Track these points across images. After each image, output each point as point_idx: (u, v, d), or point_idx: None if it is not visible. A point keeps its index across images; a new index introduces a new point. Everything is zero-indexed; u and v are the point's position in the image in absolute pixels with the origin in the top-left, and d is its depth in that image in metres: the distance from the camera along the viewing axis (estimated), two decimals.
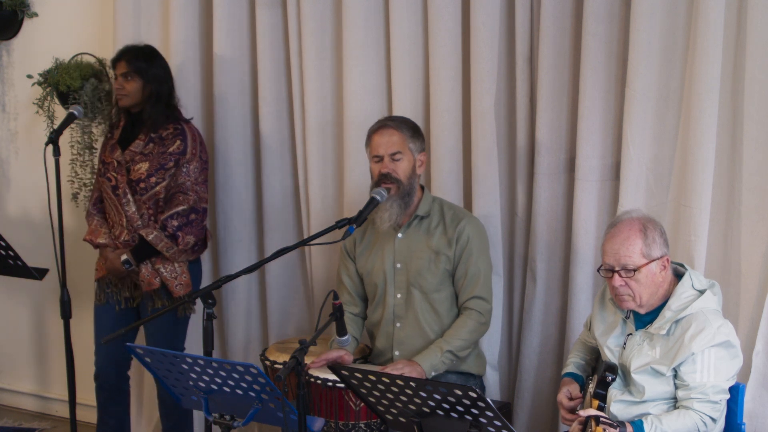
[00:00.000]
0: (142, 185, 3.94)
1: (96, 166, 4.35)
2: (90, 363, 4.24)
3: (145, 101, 3.97)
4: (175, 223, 3.92)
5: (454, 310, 3.63)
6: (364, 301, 3.80)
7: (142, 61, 3.99)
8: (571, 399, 3.20)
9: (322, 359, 3.50)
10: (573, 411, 3.16)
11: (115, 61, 4.02)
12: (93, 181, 4.38)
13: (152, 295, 3.99)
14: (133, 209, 3.95)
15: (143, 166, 3.94)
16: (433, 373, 3.48)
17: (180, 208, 3.93)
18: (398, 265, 3.65)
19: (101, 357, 4.13)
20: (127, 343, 3.08)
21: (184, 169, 3.95)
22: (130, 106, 3.98)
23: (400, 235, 3.65)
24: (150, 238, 3.90)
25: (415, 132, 3.61)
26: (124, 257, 3.94)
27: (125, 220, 3.97)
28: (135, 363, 4.28)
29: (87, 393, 4.49)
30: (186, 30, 4.35)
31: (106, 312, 4.08)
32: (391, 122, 3.61)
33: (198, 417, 4.34)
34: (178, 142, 3.96)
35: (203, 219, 4.00)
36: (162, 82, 4.00)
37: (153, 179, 3.93)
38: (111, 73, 4.55)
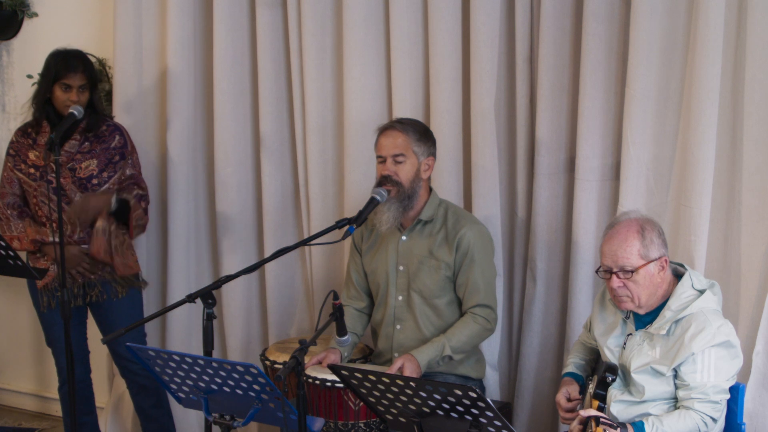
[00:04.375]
0: (94, 181, 4.00)
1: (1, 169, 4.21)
2: (91, 362, 4.24)
3: (87, 105, 3.99)
4: (143, 203, 4.10)
5: (455, 316, 3.62)
6: (371, 297, 3.80)
7: (94, 69, 4.04)
8: (569, 400, 3.20)
9: (314, 360, 3.52)
10: (571, 412, 3.16)
11: (69, 71, 3.93)
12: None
13: (121, 280, 4.08)
14: None
15: (92, 163, 4.00)
16: (427, 370, 3.48)
17: (142, 192, 4.12)
18: (400, 268, 3.65)
19: (67, 359, 3.97)
20: (127, 344, 3.08)
21: (130, 162, 4.10)
22: None
23: (404, 237, 3.65)
24: (132, 201, 4.01)
25: (422, 136, 3.59)
26: (114, 198, 3.98)
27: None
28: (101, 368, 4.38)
29: None
30: (186, 30, 4.35)
31: (56, 316, 3.98)
32: (398, 124, 3.60)
33: (198, 417, 4.35)
34: (117, 137, 4.09)
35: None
36: (97, 87, 4.08)
37: (105, 174, 4.02)
38: (111, 72, 4.56)
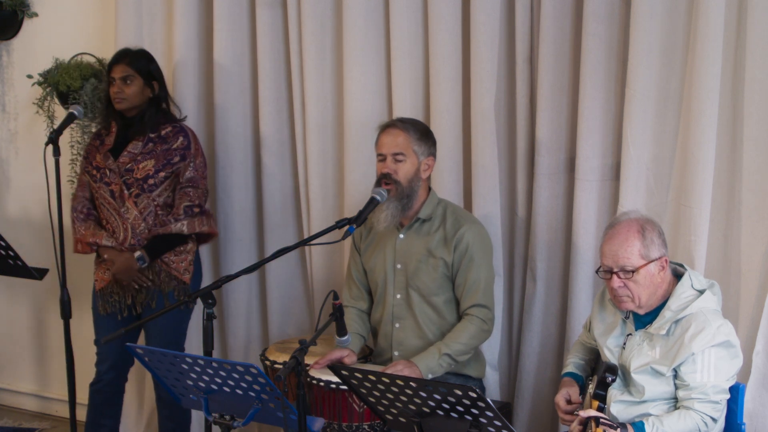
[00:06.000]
0: (150, 182, 3.94)
1: (79, 170, 4.25)
2: (90, 363, 4.24)
3: (144, 103, 3.97)
4: (197, 209, 3.98)
5: (455, 314, 3.62)
6: (371, 295, 3.80)
7: (143, 62, 3.99)
8: (569, 402, 3.19)
9: (327, 359, 3.49)
10: (570, 414, 3.16)
11: (113, 64, 3.97)
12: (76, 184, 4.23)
13: (172, 290, 4.01)
14: (135, 213, 3.94)
15: (149, 164, 3.94)
16: (430, 375, 3.47)
17: (190, 202, 3.97)
18: (398, 266, 3.65)
19: (107, 363, 4.09)
20: (127, 344, 3.08)
21: (192, 165, 3.99)
22: (128, 109, 3.96)
23: (401, 235, 3.65)
24: (184, 230, 3.93)
25: (423, 135, 3.59)
26: (138, 254, 3.91)
27: (129, 225, 3.96)
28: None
29: (87, 393, 4.48)
30: (186, 30, 4.35)
31: (110, 322, 4.03)
32: (399, 123, 3.61)
33: (198, 417, 4.35)
34: (181, 138, 3.99)
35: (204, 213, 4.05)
36: (161, 84, 4.02)
37: (162, 174, 3.94)
38: None
